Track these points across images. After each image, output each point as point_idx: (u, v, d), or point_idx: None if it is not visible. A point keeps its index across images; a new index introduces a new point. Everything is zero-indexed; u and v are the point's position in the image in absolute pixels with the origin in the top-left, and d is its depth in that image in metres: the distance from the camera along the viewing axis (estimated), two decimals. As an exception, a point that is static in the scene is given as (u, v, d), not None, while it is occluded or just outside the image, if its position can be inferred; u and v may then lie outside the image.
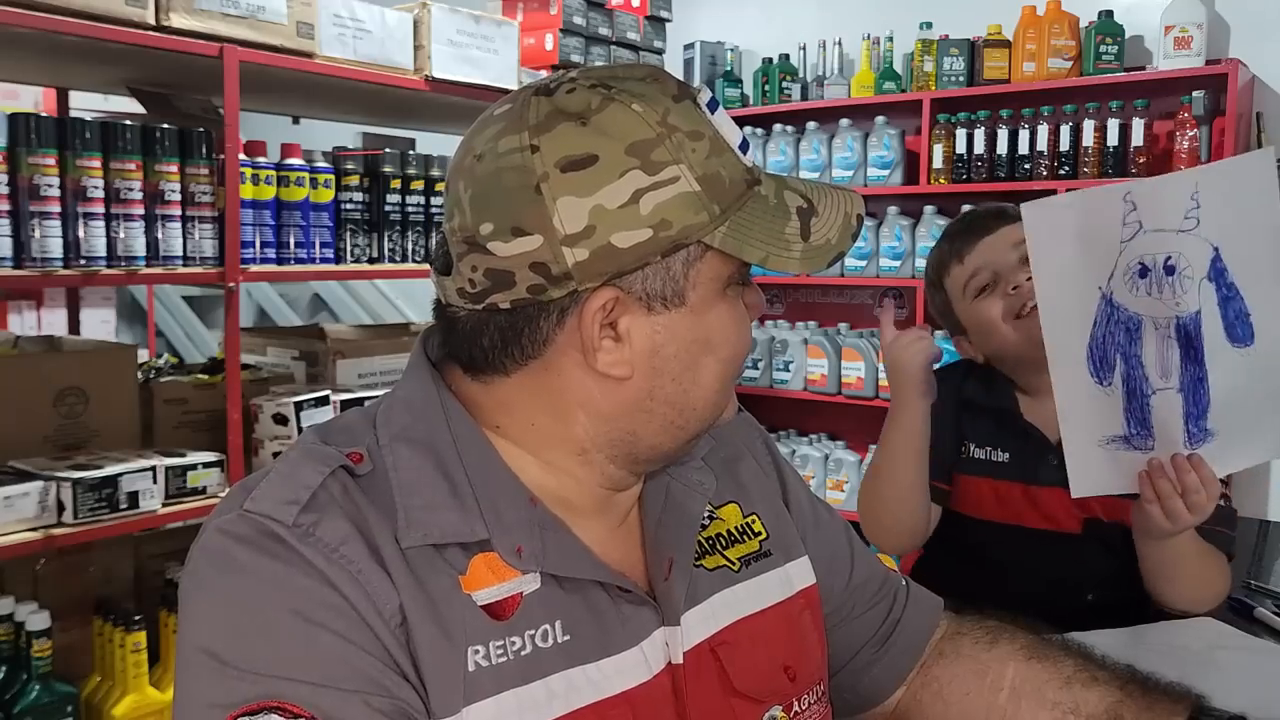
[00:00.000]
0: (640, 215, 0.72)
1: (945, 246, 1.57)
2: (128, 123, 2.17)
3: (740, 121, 4.61)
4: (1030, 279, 1.31)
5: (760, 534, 0.93)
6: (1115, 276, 1.24)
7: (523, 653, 0.73)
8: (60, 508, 2.01)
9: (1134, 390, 1.26)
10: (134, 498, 2.09)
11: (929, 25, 3.97)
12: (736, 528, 0.91)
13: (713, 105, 0.78)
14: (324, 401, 2.43)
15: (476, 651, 0.72)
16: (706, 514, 0.89)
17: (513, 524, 0.76)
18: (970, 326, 1.55)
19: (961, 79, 3.87)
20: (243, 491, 0.74)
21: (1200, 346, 1.25)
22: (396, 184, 2.67)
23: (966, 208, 4.24)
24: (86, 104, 3.08)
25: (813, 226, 0.78)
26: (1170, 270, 1.23)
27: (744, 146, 0.78)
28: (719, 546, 0.89)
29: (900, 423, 1.46)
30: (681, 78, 4.08)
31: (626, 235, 0.72)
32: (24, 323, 4.38)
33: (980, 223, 1.53)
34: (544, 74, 2.97)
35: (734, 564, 0.89)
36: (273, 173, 2.41)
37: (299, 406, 2.38)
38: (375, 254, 2.65)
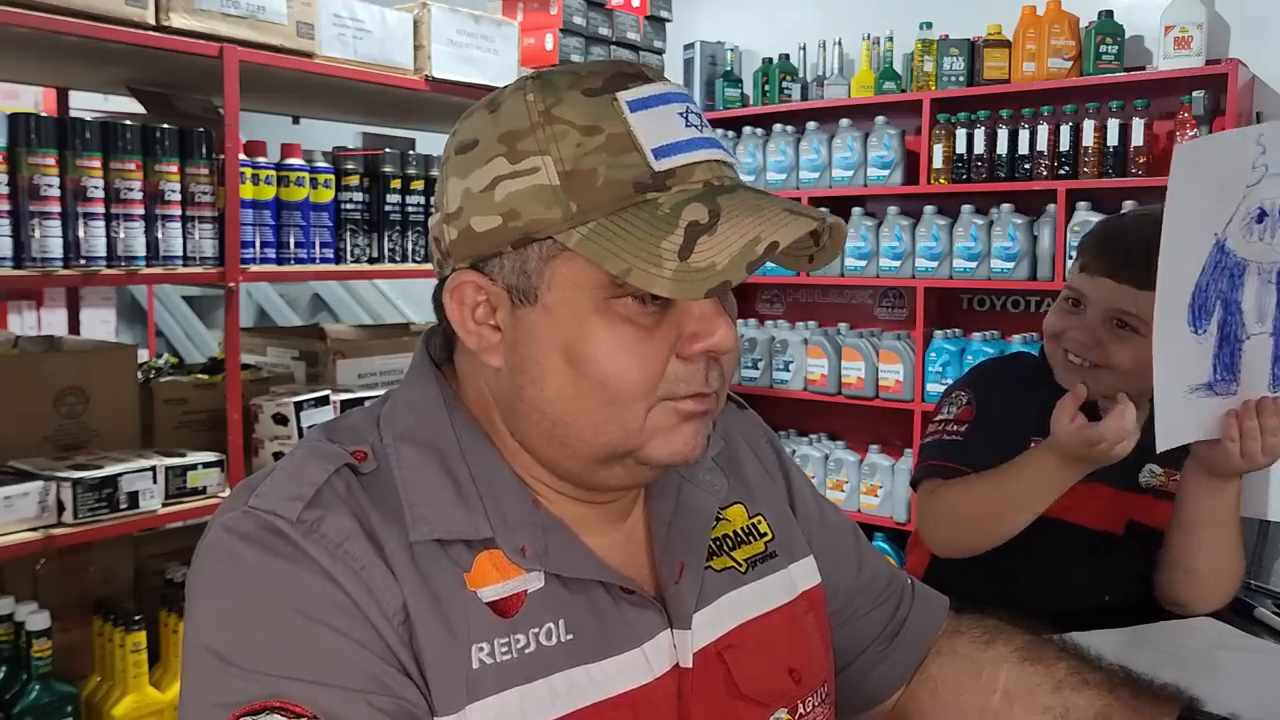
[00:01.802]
0: (494, 202, 0.73)
1: (1089, 249, 1.50)
2: (128, 123, 2.17)
3: (740, 121, 4.62)
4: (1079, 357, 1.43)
5: (766, 535, 0.92)
6: (1233, 222, 1.24)
7: (527, 650, 0.73)
8: (60, 508, 2.01)
9: (1228, 335, 1.28)
10: (134, 498, 2.09)
11: (929, 25, 3.97)
12: (743, 529, 0.91)
13: (641, 104, 0.72)
14: (324, 401, 2.43)
15: (481, 649, 0.72)
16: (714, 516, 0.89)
17: (516, 524, 0.76)
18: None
19: (961, 79, 3.87)
20: (247, 489, 0.75)
21: None
22: (396, 184, 2.67)
23: (966, 209, 4.21)
24: (86, 104, 3.08)
25: (699, 245, 0.68)
26: None
27: (679, 148, 0.72)
28: (726, 548, 0.88)
29: (1053, 493, 1.40)
30: (681, 78, 4.05)
31: (482, 220, 0.73)
32: (24, 323, 4.38)
33: (1124, 261, 1.45)
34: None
35: (740, 565, 0.88)
36: (273, 173, 2.41)
37: (299, 406, 2.38)
38: (375, 254, 2.65)
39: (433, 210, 0.80)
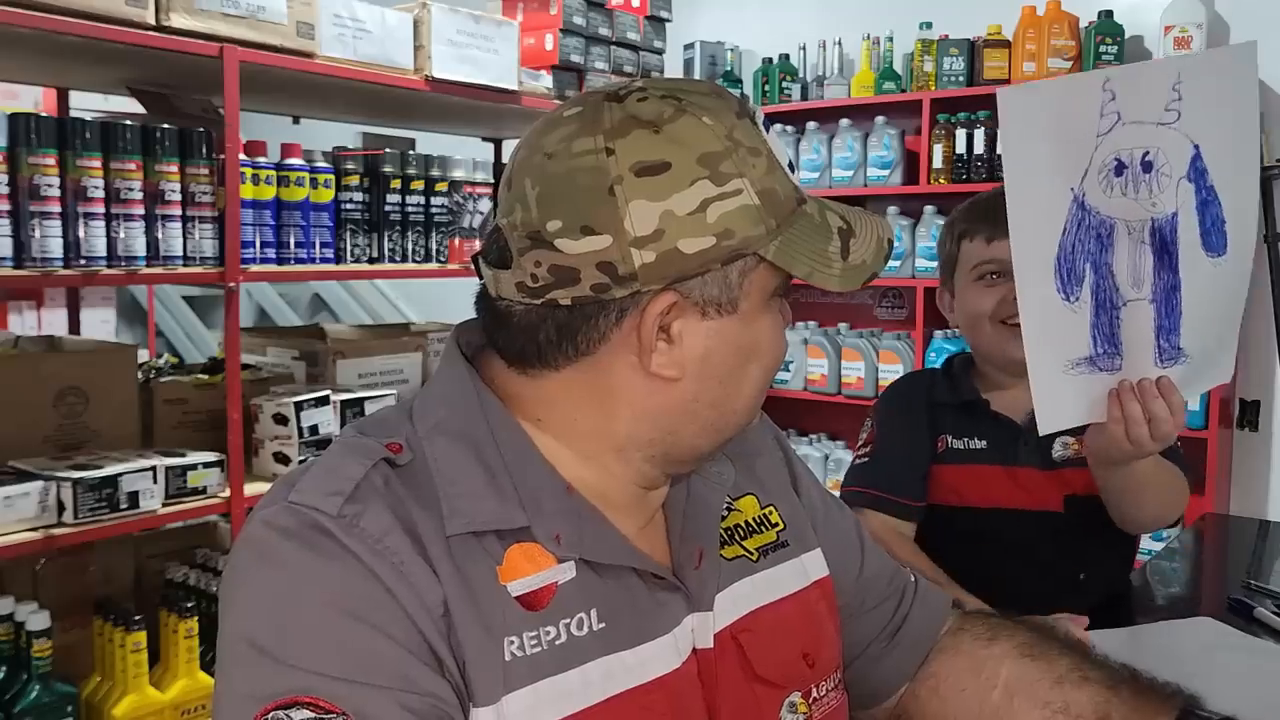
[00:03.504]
0: (707, 223, 0.74)
1: (981, 219, 1.53)
2: (128, 123, 2.17)
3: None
4: None
5: (778, 525, 0.94)
6: (1089, 175, 1.13)
7: (558, 642, 0.75)
8: (60, 508, 2.00)
9: (1103, 302, 1.17)
10: (134, 498, 2.09)
11: (929, 25, 3.97)
12: (754, 519, 0.93)
13: (766, 125, 0.80)
14: (324, 401, 2.42)
15: (512, 642, 0.73)
16: (725, 505, 0.91)
17: (551, 512, 0.77)
18: (959, 301, 1.59)
19: (961, 79, 3.87)
20: (286, 485, 0.76)
21: (1175, 252, 1.17)
22: (396, 184, 2.67)
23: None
24: (86, 104, 3.07)
25: (851, 247, 0.81)
26: (1148, 167, 1.15)
27: (791, 166, 0.81)
28: (737, 537, 0.91)
29: None
30: (681, 78, 4.06)
31: (692, 241, 0.74)
32: (24, 323, 4.38)
33: None
34: (544, 74, 2.97)
35: (752, 554, 0.90)
36: (273, 173, 2.41)
37: (299, 406, 2.37)
38: (375, 254, 2.65)
39: (561, 237, 0.74)
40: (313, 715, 0.66)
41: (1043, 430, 1.23)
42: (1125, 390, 1.21)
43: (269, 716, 0.66)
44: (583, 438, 0.81)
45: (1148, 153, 1.14)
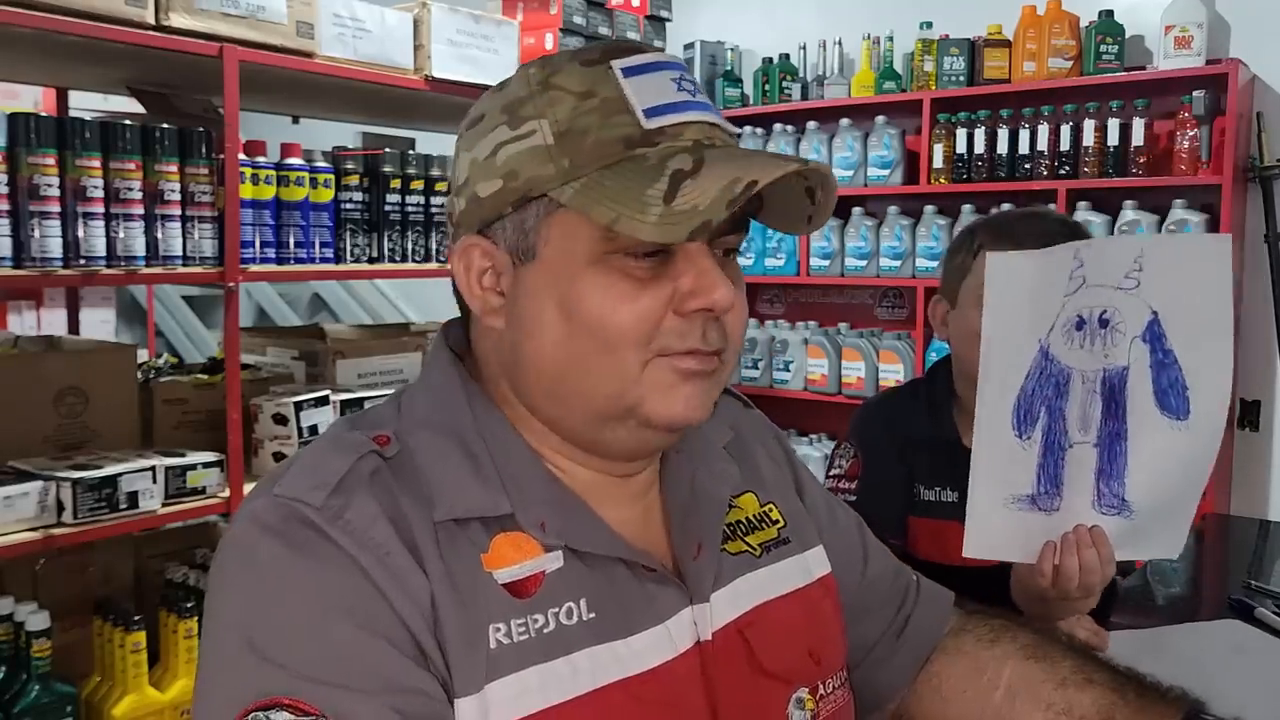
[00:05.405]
0: (495, 166, 0.76)
1: (1004, 237, 1.51)
2: (128, 123, 2.16)
3: (740, 121, 4.62)
4: None
5: (778, 522, 0.94)
6: (1055, 329, 1.25)
7: (545, 630, 0.73)
8: (60, 508, 2.00)
9: (1052, 444, 1.26)
10: (134, 498, 2.09)
11: (929, 25, 3.97)
12: (755, 515, 0.92)
13: (635, 70, 0.75)
14: (324, 401, 2.42)
15: (498, 629, 0.72)
16: (728, 501, 0.90)
17: (535, 500, 0.77)
18: (959, 314, 1.55)
19: (961, 79, 3.87)
20: (272, 478, 0.75)
21: (1123, 402, 1.24)
22: (396, 184, 2.67)
23: (967, 208, 4.21)
24: (86, 104, 3.07)
25: (682, 190, 0.70)
26: (1104, 323, 1.25)
27: (670, 109, 0.74)
28: (739, 533, 0.90)
29: None
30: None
31: (486, 185, 0.77)
32: (24, 323, 4.37)
33: (1053, 233, 1.45)
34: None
35: (755, 549, 0.89)
36: (273, 172, 2.41)
37: (299, 406, 2.37)
38: (375, 254, 2.65)
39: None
40: (292, 718, 0.65)
41: (967, 553, 1.28)
42: (1067, 545, 1.24)
43: (249, 718, 0.65)
44: (516, 416, 0.81)
45: (1105, 311, 1.25)
